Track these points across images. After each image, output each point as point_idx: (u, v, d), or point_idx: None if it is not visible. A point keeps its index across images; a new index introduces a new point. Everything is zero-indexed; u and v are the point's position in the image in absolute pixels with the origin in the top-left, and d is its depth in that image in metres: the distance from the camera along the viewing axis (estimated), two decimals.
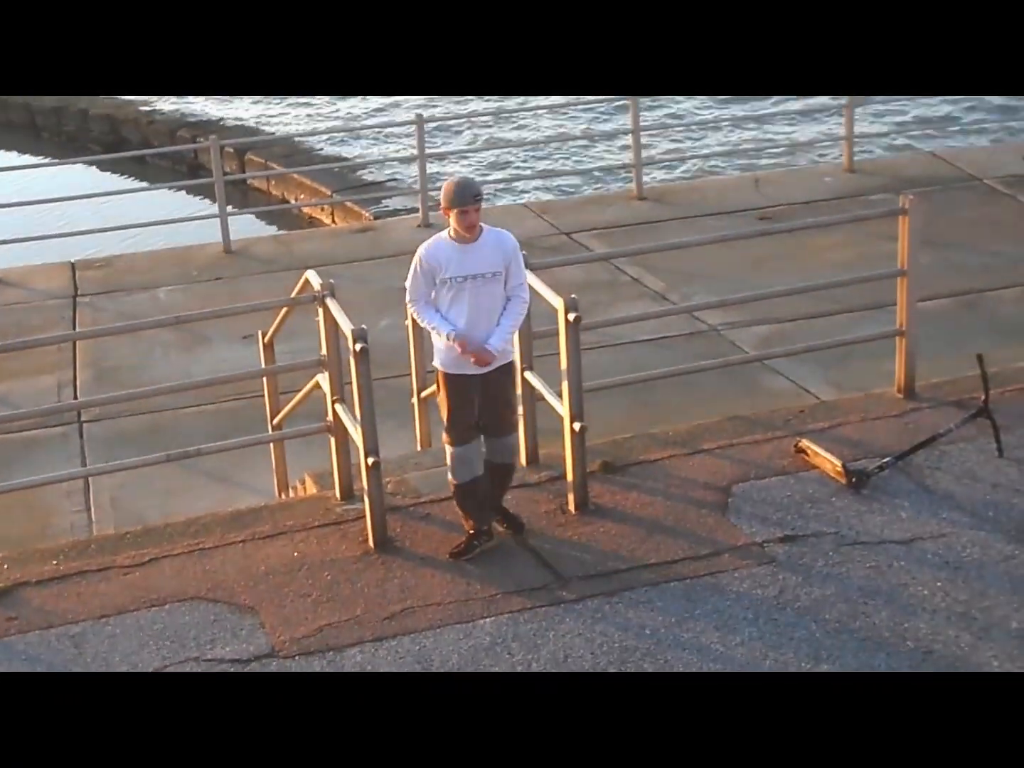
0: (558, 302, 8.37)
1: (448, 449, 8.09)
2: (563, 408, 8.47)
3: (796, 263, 14.63)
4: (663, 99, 26.12)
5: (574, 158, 24.17)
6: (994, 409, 8.95)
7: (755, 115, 25.54)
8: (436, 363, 8.03)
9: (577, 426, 8.38)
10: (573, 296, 8.36)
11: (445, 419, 8.07)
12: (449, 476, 8.18)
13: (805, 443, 8.95)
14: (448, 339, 7.77)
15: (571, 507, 8.49)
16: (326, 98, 28.55)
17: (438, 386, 8.08)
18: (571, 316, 8.27)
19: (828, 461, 8.70)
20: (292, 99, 28.52)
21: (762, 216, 16.77)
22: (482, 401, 7.95)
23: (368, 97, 28.32)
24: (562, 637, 7.27)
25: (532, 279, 8.68)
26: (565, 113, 26.26)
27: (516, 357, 8.31)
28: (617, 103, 22.51)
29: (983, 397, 8.97)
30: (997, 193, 17.28)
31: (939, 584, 7.57)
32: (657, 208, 17.66)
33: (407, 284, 7.96)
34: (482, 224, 7.80)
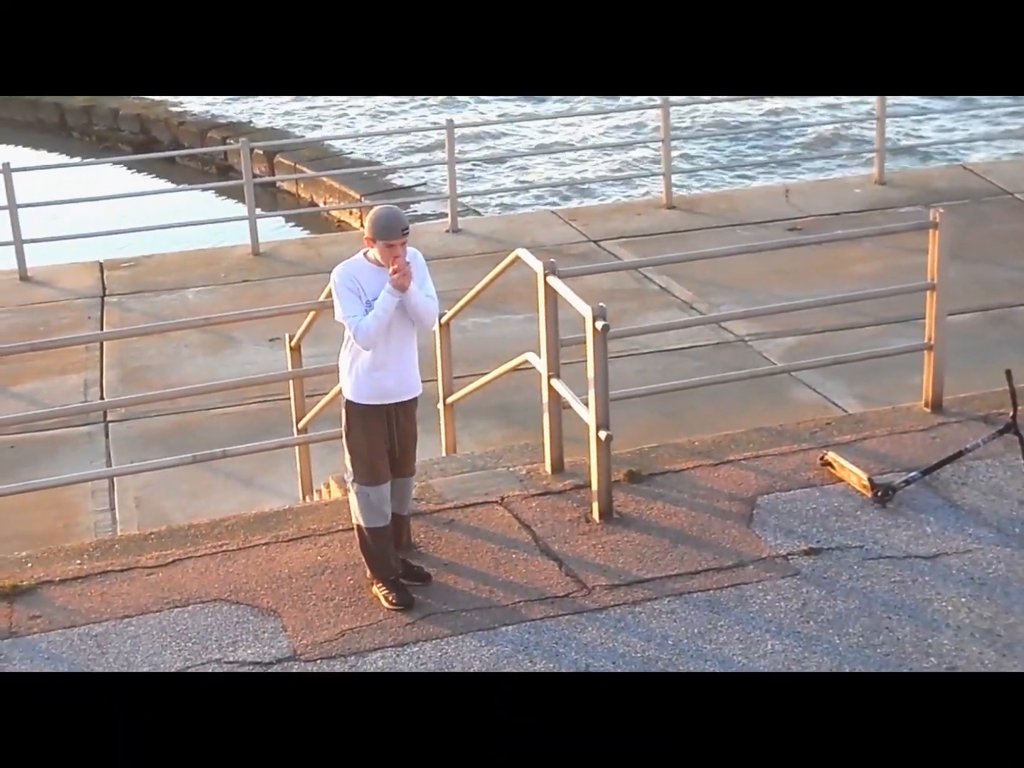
0: (586, 310, 8.35)
1: (358, 490, 7.64)
2: (589, 416, 8.45)
3: (824, 275, 14.61)
4: (697, 108, 26.16)
5: (604, 164, 24.16)
6: (1022, 425, 8.90)
7: (788, 123, 25.56)
8: (347, 395, 7.62)
9: (603, 434, 8.36)
10: (601, 304, 8.34)
11: (355, 458, 7.62)
12: (357, 520, 7.74)
13: (831, 456, 8.91)
14: (393, 294, 7.27)
15: (596, 516, 8.47)
16: (358, 101, 28.61)
17: (348, 421, 7.62)
18: (599, 324, 8.25)
19: (854, 474, 8.67)
20: (323, 100, 28.57)
21: (792, 227, 16.76)
22: (396, 434, 7.66)
23: (400, 100, 28.39)
24: (584, 646, 7.24)
25: (559, 286, 8.67)
26: (594, 119, 26.31)
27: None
28: (649, 108, 22.54)
29: (1011, 413, 8.93)
30: None
31: (964, 600, 7.53)
32: (686, 217, 17.66)
33: (340, 314, 7.43)
34: None
